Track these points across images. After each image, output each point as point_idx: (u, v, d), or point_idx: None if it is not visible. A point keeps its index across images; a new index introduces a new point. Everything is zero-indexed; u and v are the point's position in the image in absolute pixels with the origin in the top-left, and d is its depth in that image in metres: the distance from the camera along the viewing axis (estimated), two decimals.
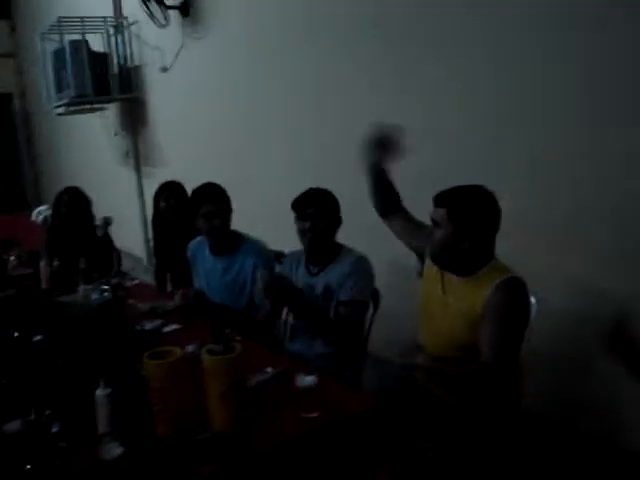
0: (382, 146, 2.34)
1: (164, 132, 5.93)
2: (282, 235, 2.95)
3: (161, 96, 5.84)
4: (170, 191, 3.66)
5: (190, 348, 2.31)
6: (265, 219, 3.86)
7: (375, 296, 2.78)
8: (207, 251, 3.16)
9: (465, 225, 2.04)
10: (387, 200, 2.46)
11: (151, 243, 4.11)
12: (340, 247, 2.69)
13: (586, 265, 2.67)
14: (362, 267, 2.62)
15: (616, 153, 2.52)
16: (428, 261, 2.26)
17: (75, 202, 3.94)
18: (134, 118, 6.30)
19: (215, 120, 5.14)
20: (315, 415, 1.88)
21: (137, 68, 6.05)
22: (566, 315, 2.73)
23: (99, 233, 4.01)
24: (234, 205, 3.11)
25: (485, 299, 2.02)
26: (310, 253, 2.71)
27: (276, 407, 1.96)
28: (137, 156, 6.37)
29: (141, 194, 6.37)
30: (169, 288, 3.67)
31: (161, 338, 2.58)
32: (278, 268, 2.95)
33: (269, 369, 2.20)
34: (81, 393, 1.91)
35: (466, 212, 2.05)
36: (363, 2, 3.59)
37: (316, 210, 2.60)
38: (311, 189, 2.69)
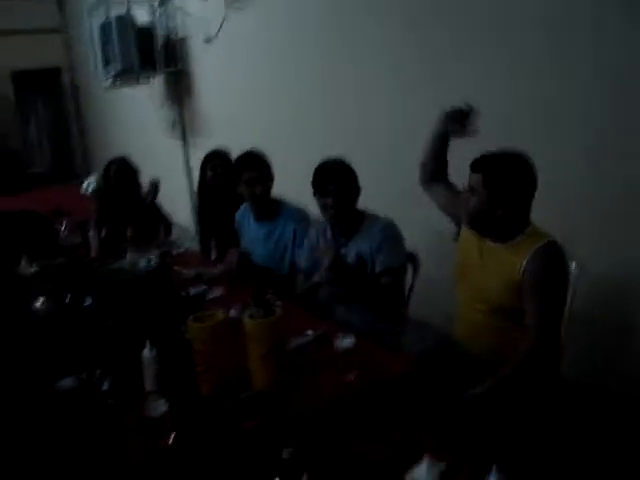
0: (459, 120, 2.32)
1: (208, 103, 5.99)
2: None
3: (205, 67, 5.89)
4: (216, 160, 3.70)
5: (233, 312, 2.38)
6: (307, 186, 3.88)
7: (414, 260, 2.81)
8: (251, 218, 3.24)
9: (500, 191, 2.04)
10: (437, 169, 2.46)
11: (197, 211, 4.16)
12: (363, 214, 2.70)
13: (628, 232, 2.64)
14: (392, 233, 2.64)
15: None
16: (464, 226, 2.27)
17: (123, 172, 4.03)
18: (179, 89, 6.38)
19: (258, 89, 5.17)
20: (352, 377, 1.93)
21: (181, 40, 6.10)
22: (606, 280, 2.71)
23: (148, 199, 4.09)
24: (275, 171, 3.16)
25: (523, 266, 2.02)
26: (335, 226, 2.74)
27: (315, 369, 2.01)
28: (183, 126, 6.46)
29: (187, 163, 6.46)
30: (214, 255, 3.75)
31: (204, 303, 2.66)
32: (305, 240, 2.97)
33: (309, 332, 2.25)
34: (129, 353, 2.00)
35: (501, 178, 2.04)
36: None
37: (336, 186, 2.60)
38: (326, 162, 2.70)
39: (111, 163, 4.09)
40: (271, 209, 3.16)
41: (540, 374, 2.08)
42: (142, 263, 3.14)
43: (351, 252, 2.66)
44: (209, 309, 2.27)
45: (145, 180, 4.18)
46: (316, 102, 4.48)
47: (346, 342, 1.94)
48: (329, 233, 2.77)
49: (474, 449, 1.80)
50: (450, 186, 2.43)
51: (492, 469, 1.40)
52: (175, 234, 4.30)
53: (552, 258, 2.04)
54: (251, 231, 3.27)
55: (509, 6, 2.98)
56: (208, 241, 3.81)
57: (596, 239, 2.72)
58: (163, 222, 4.14)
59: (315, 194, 2.67)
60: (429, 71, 3.47)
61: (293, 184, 3.03)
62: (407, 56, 3.61)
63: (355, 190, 2.67)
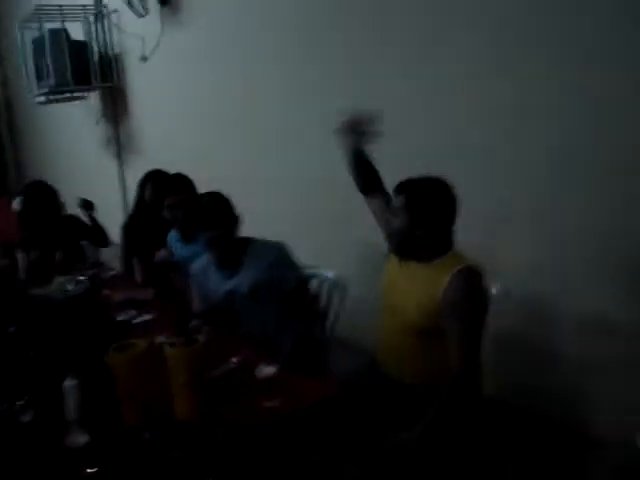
0: (355, 130, 2.39)
1: (144, 121, 5.96)
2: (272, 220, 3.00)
3: (141, 84, 5.87)
4: (157, 179, 3.69)
5: (161, 338, 2.39)
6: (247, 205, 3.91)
7: (340, 285, 2.90)
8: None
9: (421, 213, 2.13)
10: (366, 179, 2.52)
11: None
12: (247, 241, 2.75)
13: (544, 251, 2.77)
14: (285, 252, 2.72)
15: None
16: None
17: (41, 195, 3.93)
18: (115, 107, 6.33)
19: (195, 110, 5.19)
20: (273, 404, 1.97)
21: (117, 56, 6.06)
22: (532, 303, 2.84)
23: (84, 218, 4.03)
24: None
25: (443, 288, 2.10)
26: (220, 261, 2.76)
27: (237, 397, 2.05)
28: (118, 144, 6.40)
29: (122, 182, 6.41)
30: (139, 277, 3.73)
31: (133, 329, 2.66)
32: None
33: (234, 359, 2.29)
34: (51, 383, 2.00)
35: (422, 201, 2.14)
36: None
37: (210, 221, 2.65)
38: (203, 197, 2.77)
39: (28, 187, 4.01)
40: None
41: (465, 398, 2.15)
42: (69, 287, 3.11)
43: (244, 283, 2.69)
44: (137, 334, 2.30)
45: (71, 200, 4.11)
46: (258, 121, 4.53)
47: (267, 370, 1.98)
48: (214, 270, 2.79)
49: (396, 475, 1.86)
50: (387, 200, 2.46)
51: None
52: (107, 254, 4.25)
53: (471, 281, 2.12)
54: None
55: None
56: (131, 260, 3.78)
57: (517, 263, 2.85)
58: (95, 235, 4.05)
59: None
60: (367, 91, 3.55)
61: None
62: (355, 73, 3.68)
63: (230, 221, 2.69)
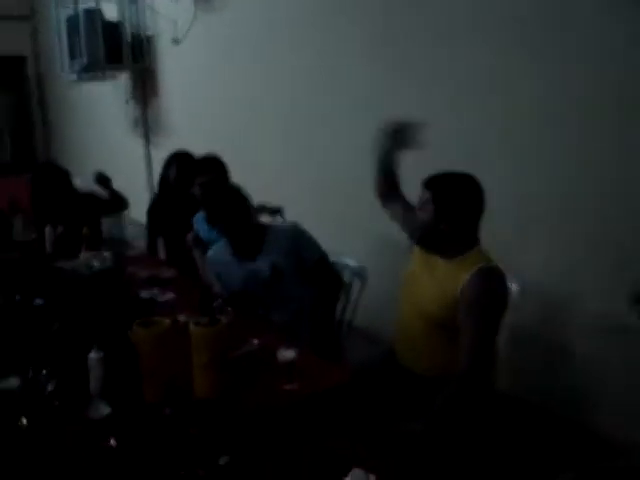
0: (397, 136, 2.40)
1: (173, 102, 6.00)
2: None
3: (172, 66, 5.90)
4: (182, 160, 3.72)
5: (182, 317, 2.43)
6: (273, 188, 3.94)
7: (362, 274, 2.92)
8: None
9: (447, 208, 2.13)
10: (388, 188, 2.55)
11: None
12: (264, 228, 2.81)
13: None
14: (300, 231, 2.79)
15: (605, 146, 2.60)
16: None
17: (47, 178, 3.97)
18: (145, 87, 6.37)
19: (225, 93, 5.20)
20: (294, 387, 2.00)
21: (149, 38, 6.10)
22: (546, 300, 2.84)
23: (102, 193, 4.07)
24: (243, 177, 3.21)
25: (462, 284, 2.10)
26: (238, 248, 2.81)
27: (258, 378, 2.08)
28: (146, 125, 6.45)
29: (149, 163, 6.47)
30: (162, 255, 3.77)
31: (156, 306, 2.70)
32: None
33: (255, 341, 2.32)
34: (76, 355, 2.04)
35: (449, 196, 2.14)
36: None
37: (225, 214, 2.73)
38: (210, 190, 2.89)
39: (37, 168, 4.06)
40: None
41: (472, 395, 2.15)
42: (95, 263, 3.17)
43: (263, 266, 2.74)
44: (160, 312, 2.34)
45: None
46: (283, 107, 4.54)
47: (288, 354, 2.00)
48: (231, 257, 2.84)
49: (406, 462, 1.88)
50: (405, 201, 2.50)
51: None
52: (131, 233, 4.30)
53: (491, 282, 2.12)
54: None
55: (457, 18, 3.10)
56: (155, 239, 3.83)
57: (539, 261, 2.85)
58: (114, 204, 4.09)
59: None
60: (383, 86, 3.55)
61: (256, 188, 3.11)
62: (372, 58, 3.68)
63: (245, 209, 2.75)
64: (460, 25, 3.12)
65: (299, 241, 2.75)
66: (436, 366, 2.24)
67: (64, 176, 4.01)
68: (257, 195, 2.95)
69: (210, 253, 2.98)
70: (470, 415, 2.17)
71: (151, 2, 5.92)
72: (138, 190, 6.26)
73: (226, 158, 3.53)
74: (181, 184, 3.61)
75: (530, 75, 2.82)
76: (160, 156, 5.98)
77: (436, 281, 2.21)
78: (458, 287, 2.11)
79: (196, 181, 3.25)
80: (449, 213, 2.14)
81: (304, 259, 2.74)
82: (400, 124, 2.39)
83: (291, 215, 2.89)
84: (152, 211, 3.86)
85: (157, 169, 6.01)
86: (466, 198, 2.16)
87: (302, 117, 4.36)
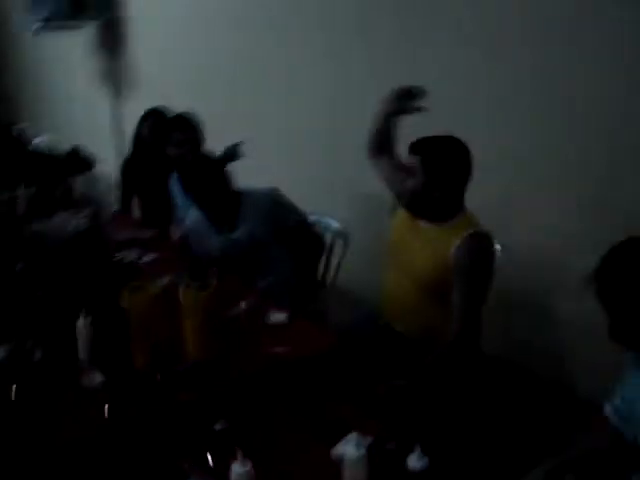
0: (402, 98, 2.38)
1: (144, 53, 5.80)
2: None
3: (145, 14, 5.67)
4: (156, 117, 3.61)
5: (167, 279, 2.40)
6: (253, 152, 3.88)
7: (345, 236, 2.91)
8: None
9: (437, 174, 2.12)
10: (384, 142, 2.51)
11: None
12: (239, 195, 2.72)
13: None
14: (279, 196, 2.74)
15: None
16: (400, 206, 2.35)
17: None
18: (112, 38, 6.15)
19: (206, 43, 5.01)
20: (285, 350, 2.00)
21: None
22: (528, 261, 2.87)
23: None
24: (221, 133, 3.17)
25: (453, 250, 2.12)
26: (215, 218, 2.76)
27: (249, 341, 2.08)
28: (115, 77, 6.25)
29: (118, 117, 6.30)
30: (137, 214, 3.71)
31: (139, 268, 2.67)
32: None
33: (242, 303, 2.31)
34: (63, 322, 2.01)
35: (438, 161, 2.13)
36: None
37: (201, 187, 2.66)
38: (187, 164, 2.80)
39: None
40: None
41: (462, 357, 2.19)
42: (71, 224, 3.10)
43: (242, 235, 2.70)
44: (144, 274, 2.30)
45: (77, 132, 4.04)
46: (270, 65, 4.40)
47: (278, 317, 2.00)
48: (207, 225, 2.79)
49: (400, 424, 1.91)
50: (395, 161, 2.48)
51: (415, 449, 1.50)
52: (100, 189, 4.17)
53: (482, 248, 2.15)
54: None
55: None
56: (129, 198, 3.76)
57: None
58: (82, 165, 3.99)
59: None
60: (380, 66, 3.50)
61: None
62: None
63: (221, 184, 2.67)
64: None
65: (277, 207, 2.70)
66: (427, 328, 2.27)
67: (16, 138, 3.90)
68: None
69: (188, 221, 2.92)
70: (457, 374, 2.20)
71: None
72: (106, 146, 6.13)
73: (204, 114, 3.48)
74: (155, 142, 3.52)
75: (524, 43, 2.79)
76: (132, 110, 5.85)
77: (426, 246, 2.21)
78: (450, 251, 2.12)
79: (171, 139, 3.17)
80: (438, 178, 2.13)
81: (283, 224, 2.70)
82: (411, 89, 2.35)
83: (271, 176, 2.84)
84: (126, 169, 3.76)
85: (129, 124, 5.89)
86: (454, 162, 2.15)
87: (282, 67, 4.25)
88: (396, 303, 2.36)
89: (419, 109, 2.35)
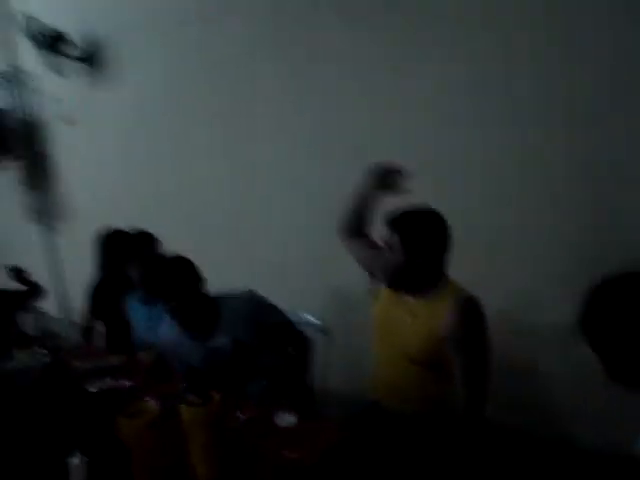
0: (385, 177, 2.37)
1: (74, 185, 5.78)
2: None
3: (70, 148, 5.70)
4: (115, 239, 3.51)
5: (151, 402, 2.26)
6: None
7: (326, 332, 2.86)
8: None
9: (418, 250, 2.13)
10: (360, 225, 2.48)
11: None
12: (215, 300, 2.59)
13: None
14: (259, 298, 2.60)
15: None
16: (383, 285, 2.34)
17: None
18: (41, 173, 6.10)
19: (129, 169, 5.09)
20: (298, 455, 1.90)
21: (40, 121, 5.88)
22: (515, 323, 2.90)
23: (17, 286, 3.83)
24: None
25: (444, 321, 2.11)
26: (191, 328, 2.60)
27: (257, 450, 1.97)
28: (45, 212, 6.16)
29: (53, 249, 6.14)
30: (98, 342, 3.56)
31: (119, 397, 2.52)
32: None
33: (239, 414, 2.19)
34: (52, 464, 1.86)
35: (418, 238, 2.13)
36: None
37: (174, 289, 2.48)
38: (160, 264, 2.58)
39: None
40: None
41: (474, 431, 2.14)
42: (33, 362, 2.93)
43: (224, 342, 2.55)
44: (124, 402, 2.16)
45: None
46: (189, 173, 4.51)
47: (288, 419, 1.91)
48: (185, 336, 2.63)
49: None
50: (370, 240, 2.46)
51: None
52: (56, 325, 4.04)
53: (472, 314, 2.13)
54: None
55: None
56: (92, 325, 3.60)
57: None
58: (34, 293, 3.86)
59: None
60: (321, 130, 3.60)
61: None
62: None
63: (195, 286, 2.52)
64: None
65: (258, 310, 2.57)
66: (424, 401, 2.23)
67: None
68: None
69: (160, 336, 2.78)
70: (467, 446, 2.15)
71: (40, 84, 5.72)
72: (42, 279, 5.93)
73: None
74: (120, 264, 3.42)
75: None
76: (65, 242, 5.78)
77: (417, 320, 2.20)
78: (441, 322, 2.12)
79: (134, 260, 3.09)
80: (419, 253, 2.14)
81: (267, 326, 2.58)
82: (390, 166, 2.36)
83: (239, 279, 2.80)
84: (95, 294, 3.62)
85: (65, 255, 5.78)
86: (433, 235, 2.16)
87: (217, 178, 4.33)
88: (389, 380, 2.32)
89: (403, 190, 2.34)
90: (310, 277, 3.73)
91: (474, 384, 2.09)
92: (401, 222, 2.17)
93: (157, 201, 4.85)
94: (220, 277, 2.81)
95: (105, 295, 3.52)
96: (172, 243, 3.30)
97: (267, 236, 4.11)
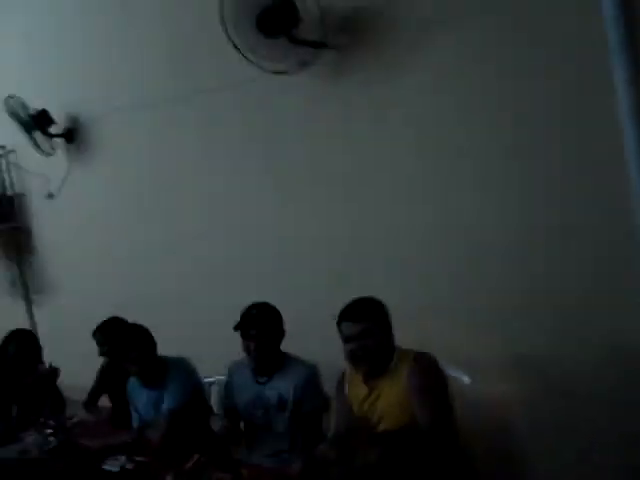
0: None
1: (54, 259, 5.94)
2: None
3: (49, 223, 5.87)
4: (110, 331, 3.76)
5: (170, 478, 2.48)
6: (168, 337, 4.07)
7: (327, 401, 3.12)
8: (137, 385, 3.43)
9: (382, 333, 2.56)
10: None
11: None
12: (284, 355, 3.03)
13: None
14: (314, 375, 3.00)
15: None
16: (347, 370, 2.71)
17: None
18: (20, 246, 6.24)
19: (106, 245, 5.29)
20: None
21: (20, 196, 6.07)
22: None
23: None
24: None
25: (404, 382, 2.48)
26: (257, 366, 3.03)
27: None
28: (25, 285, 6.29)
29: (33, 324, 6.26)
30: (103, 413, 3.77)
31: (135, 474, 2.70)
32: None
33: None
34: None
35: (378, 322, 2.56)
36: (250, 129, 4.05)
37: (258, 331, 2.94)
38: (252, 307, 3.02)
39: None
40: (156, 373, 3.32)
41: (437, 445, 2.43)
42: (42, 443, 3.10)
43: (272, 393, 2.97)
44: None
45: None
46: (170, 252, 4.72)
47: None
48: (248, 372, 3.06)
49: None
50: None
51: None
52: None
53: (426, 362, 2.53)
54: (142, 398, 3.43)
55: None
56: (97, 399, 3.82)
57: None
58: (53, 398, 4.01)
59: (241, 336, 2.98)
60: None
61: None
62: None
63: (278, 333, 3.00)
64: None
65: (309, 384, 2.94)
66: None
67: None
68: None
69: (232, 366, 3.20)
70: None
71: (20, 159, 5.93)
72: None
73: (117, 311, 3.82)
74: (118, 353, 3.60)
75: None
76: (46, 316, 5.87)
77: (384, 398, 2.56)
78: (404, 388, 2.48)
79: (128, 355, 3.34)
80: (384, 335, 2.56)
81: (302, 402, 2.93)
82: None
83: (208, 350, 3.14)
84: (104, 374, 3.93)
85: (44, 330, 5.86)
86: (386, 318, 2.59)
87: (194, 252, 4.54)
88: None
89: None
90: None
91: (434, 410, 2.42)
92: (356, 312, 2.57)
93: (136, 275, 5.05)
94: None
95: (114, 373, 3.73)
96: (150, 317, 3.55)
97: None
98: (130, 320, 3.59)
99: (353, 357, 2.56)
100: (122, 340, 3.34)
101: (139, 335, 3.33)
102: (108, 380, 3.83)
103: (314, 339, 3.30)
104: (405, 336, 2.69)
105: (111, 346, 3.70)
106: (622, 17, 2.52)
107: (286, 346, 3.07)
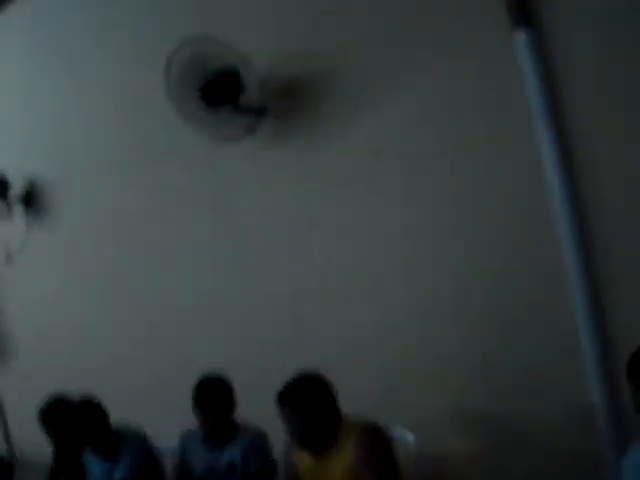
0: None
1: (15, 324, 5.87)
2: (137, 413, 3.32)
3: (10, 288, 5.84)
4: (66, 410, 3.68)
5: None
6: (130, 399, 4.08)
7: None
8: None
9: (313, 413, 2.52)
10: None
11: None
12: (237, 425, 3.10)
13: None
14: (261, 439, 3.07)
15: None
16: (295, 448, 2.71)
17: None
18: None
19: (66, 310, 5.27)
20: None
21: None
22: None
23: None
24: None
25: (351, 454, 2.48)
26: (210, 437, 3.10)
27: None
28: None
29: None
30: None
31: None
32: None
33: None
34: None
35: (309, 403, 2.53)
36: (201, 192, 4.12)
37: (211, 402, 3.02)
38: (204, 380, 3.08)
39: None
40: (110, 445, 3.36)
41: None
42: None
43: (223, 460, 3.04)
44: None
45: None
46: (132, 315, 4.72)
47: None
48: (201, 442, 3.14)
49: None
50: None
51: None
52: None
53: (371, 434, 2.52)
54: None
55: None
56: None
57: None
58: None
59: (193, 407, 3.02)
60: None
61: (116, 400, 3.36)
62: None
63: (230, 405, 3.06)
64: None
65: (255, 447, 3.01)
66: None
67: None
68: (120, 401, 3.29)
69: (185, 435, 3.25)
70: None
71: None
72: None
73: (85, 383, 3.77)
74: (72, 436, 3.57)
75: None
76: (7, 384, 5.77)
77: (333, 472, 2.54)
78: (352, 460, 2.48)
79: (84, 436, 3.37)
80: (318, 415, 2.53)
81: (250, 464, 2.99)
82: None
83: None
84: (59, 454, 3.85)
85: (6, 398, 5.77)
86: (323, 397, 2.57)
87: (156, 313, 4.55)
88: None
89: None
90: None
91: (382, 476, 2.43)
92: (290, 395, 2.56)
93: (96, 340, 5.02)
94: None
95: (68, 451, 3.71)
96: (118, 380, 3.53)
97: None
98: (94, 385, 3.60)
99: (291, 437, 2.62)
100: (67, 425, 3.37)
101: (85, 414, 3.34)
102: (63, 459, 3.80)
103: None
104: None
105: (56, 432, 3.69)
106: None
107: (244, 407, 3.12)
